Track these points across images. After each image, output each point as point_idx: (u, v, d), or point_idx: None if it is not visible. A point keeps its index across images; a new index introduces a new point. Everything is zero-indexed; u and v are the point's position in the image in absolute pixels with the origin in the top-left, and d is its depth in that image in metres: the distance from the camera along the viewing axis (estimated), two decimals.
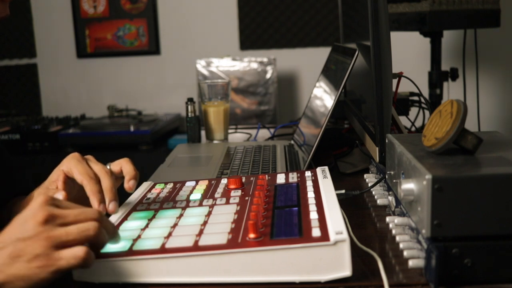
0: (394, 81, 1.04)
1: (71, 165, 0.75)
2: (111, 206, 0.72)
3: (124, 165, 0.79)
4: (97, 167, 0.76)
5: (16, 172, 1.02)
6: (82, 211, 0.60)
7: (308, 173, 0.87)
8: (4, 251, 0.56)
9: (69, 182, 0.77)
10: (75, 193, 0.79)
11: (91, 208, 0.62)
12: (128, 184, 0.77)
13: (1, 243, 0.57)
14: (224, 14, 2.52)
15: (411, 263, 0.63)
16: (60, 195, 0.70)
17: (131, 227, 0.70)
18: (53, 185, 0.77)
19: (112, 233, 0.63)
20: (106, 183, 0.73)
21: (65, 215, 0.59)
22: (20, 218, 0.58)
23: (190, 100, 1.44)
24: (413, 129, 1.28)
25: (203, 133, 1.48)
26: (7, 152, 1.02)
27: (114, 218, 0.74)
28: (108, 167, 0.78)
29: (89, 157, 0.78)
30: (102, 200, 0.72)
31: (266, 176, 0.89)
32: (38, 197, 0.60)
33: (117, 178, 0.80)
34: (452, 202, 0.59)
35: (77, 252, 0.57)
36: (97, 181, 0.74)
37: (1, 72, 2.62)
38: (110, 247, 0.64)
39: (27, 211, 0.58)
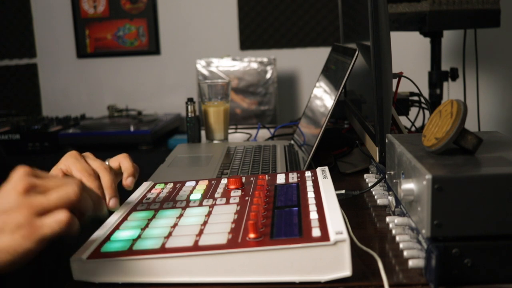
0: (394, 81, 1.04)
1: (69, 163, 0.74)
2: (111, 202, 0.71)
3: (122, 161, 0.78)
4: (95, 163, 0.75)
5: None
6: (63, 180, 0.59)
7: (308, 173, 0.87)
8: None
9: None
10: None
11: (73, 177, 0.61)
12: (126, 182, 0.76)
13: None
14: (224, 14, 2.52)
15: (411, 263, 0.63)
16: None
17: (131, 227, 0.70)
18: None
19: (96, 200, 0.62)
20: (105, 179, 0.73)
21: (45, 184, 0.58)
22: (1, 192, 0.57)
23: (190, 100, 1.44)
24: (413, 129, 1.28)
25: (203, 133, 1.48)
26: (3, 152, 1.02)
27: (114, 218, 0.74)
28: (106, 163, 0.78)
29: (87, 154, 0.78)
30: (102, 197, 0.72)
31: (266, 176, 0.89)
32: (17, 169, 0.58)
33: (116, 174, 0.79)
34: (452, 202, 0.59)
35: (59, 216, 0.55)
36: (96, 177, 0.73)
37: (1, 72, 2.63)
38: (110, 247, 0.64)
39: (7, 184, 0.58)
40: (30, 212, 0.55)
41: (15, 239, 0.54)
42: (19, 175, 0.58)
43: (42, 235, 0.55)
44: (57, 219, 0.55)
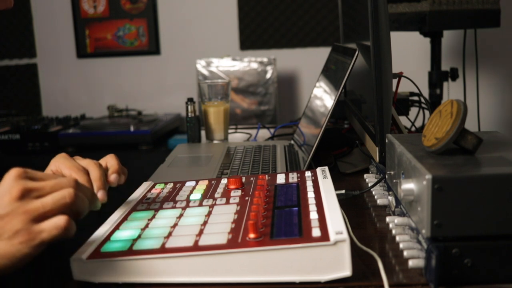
0: (394, 81, 1.04)
1: (59, 163, 0.75)
2: (99, 194, 0.71)
3: (108, 160, 0.79)
4: (84, 161, 0.76)
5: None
6: (57, 181, 0.59)
7: (308, 173, 0.87)
8: None
9: None
10: None
11: (67, 177, 0.61)
12: (110, 178, 0.76)
13: None
14: (224, 14, 2.52)
15: (411, 263, 0.63)
16: None
17: (131, 227, 0.70)
18: None
19: (91, 198, 0.63)
20: (94, 173, 0.73)
21: (40, 187, 0.58)
22: None
23: (190, 100, 1.44)
24: (413, 129, 1.28)
25: (203, 133, 1.48)
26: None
27: (114, 218, 0.74)
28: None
29: (76, 157, 0.79)
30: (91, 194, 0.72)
31: (266, 176, 0.89)
32: (10, 171, 0.58)
33: (106, 173, 0.78)
34: (452, 202, 0.59)
35: (58, 221, 0.56)
36: (86, 172, 0.73)
37: (1, 72, 2.62)
38: (110, 247, 0.64)
39: (1, 187, 0.57)
40: (27, 218, 0.55)
41: (13, 245, 0.55)
42: (12, 179, 0.58)
43: (41, 240, 0.55)
44: (55, 225, 0.56)
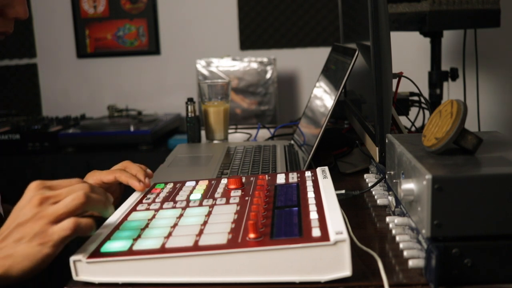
0: (394, 81, 1.04)
1: (96, 177, 0.85)
2: (147, 180, 0.86)
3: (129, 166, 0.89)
4: (112, 170, 0.87)
5: None
6: (71, 188, 0.65)
7: (308, 173, 0.87)
8: (9, 237, 0.62)
9: None
10: None
11: (80, 183, 0.67)
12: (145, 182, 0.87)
13: (5, 230, 0.63)
14: (224, 14, 2.52)
15: (411, 263, 0.63)
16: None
17: (131, 227, 0.70)
18: None
19: (103, 198, 0.68)
20: (133, 169, 0.87)
21: (56, 195, 0.64)
22: (18, 206, 0.64)
23: (190, 100, 1.44)
24: (413, 129, 1.28)
25: (203, 133, 1.48)
26: None
27: (114, 218, 0.74)
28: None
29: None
30: (139, 180, 0.85)
31: (266, 176, 0.89)
32: (30, 184, 0.66)
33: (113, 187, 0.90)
34: (452, 202, 0.59)
35: (65, 223, 0.61)
36: (125, 171, 0.86)
37: (1, 72, 2.62)
38: (110, 247, 0.64)
39: (23, 199, 0.64)
40: (44, 222, 0.62)
41: (33, 246, 0.61)
42: (32, 189, 0.65)
43: (54, 241, 0.61)
44: (63, 227, 0.61)
